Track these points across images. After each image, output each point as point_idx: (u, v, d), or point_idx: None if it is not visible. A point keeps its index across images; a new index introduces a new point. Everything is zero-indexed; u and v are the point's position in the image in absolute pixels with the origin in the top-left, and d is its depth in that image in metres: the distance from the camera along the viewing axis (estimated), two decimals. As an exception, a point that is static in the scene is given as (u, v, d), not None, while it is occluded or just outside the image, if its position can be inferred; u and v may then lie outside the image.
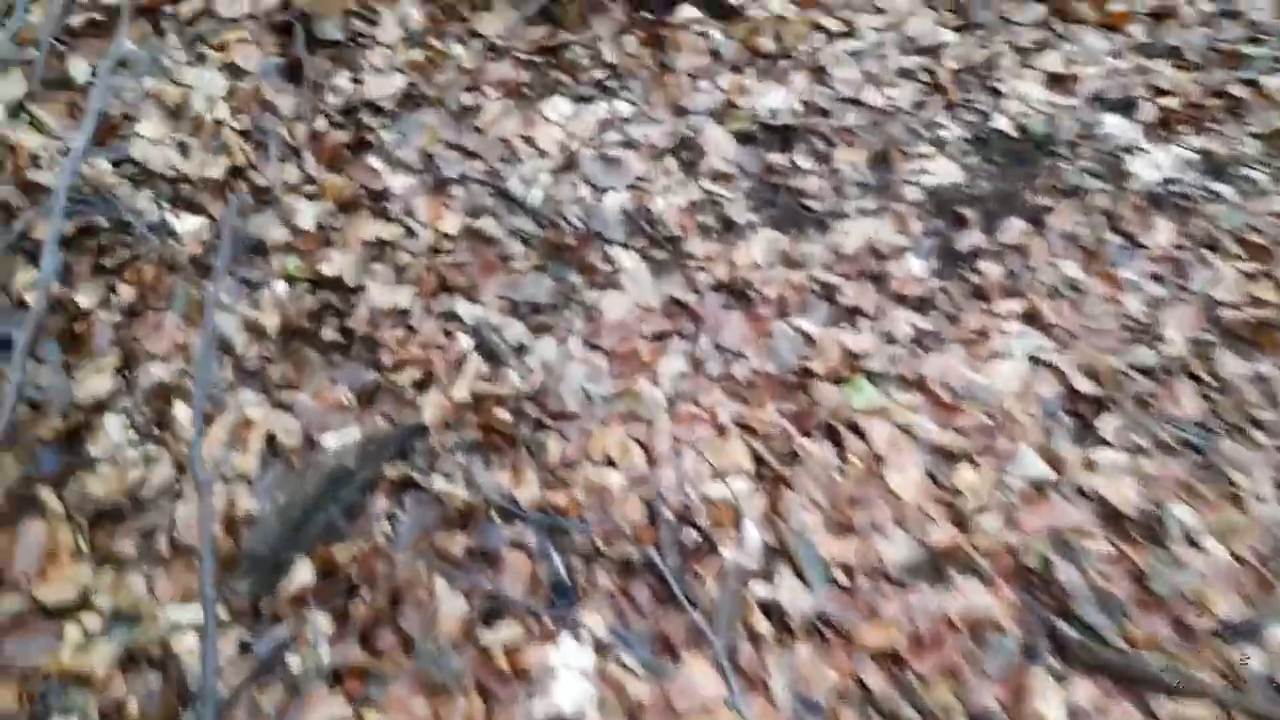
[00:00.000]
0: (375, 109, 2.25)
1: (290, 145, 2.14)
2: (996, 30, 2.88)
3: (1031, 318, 2.20)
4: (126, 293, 1.83)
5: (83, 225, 1.90)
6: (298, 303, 1.89)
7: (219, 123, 2.13)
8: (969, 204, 2.44)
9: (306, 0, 2.27)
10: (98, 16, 2.24)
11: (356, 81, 2.29)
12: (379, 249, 2.03)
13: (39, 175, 1.94)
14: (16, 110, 2.05)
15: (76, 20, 2.23)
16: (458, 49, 2.42)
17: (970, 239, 2.35)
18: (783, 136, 2.47)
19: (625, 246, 2.16)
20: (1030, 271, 2.32)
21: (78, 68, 2.16)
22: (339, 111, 2.22)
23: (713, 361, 1.99)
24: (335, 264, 1.97)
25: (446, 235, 2.07)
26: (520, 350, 1.93)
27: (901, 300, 2.19)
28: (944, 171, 2.50)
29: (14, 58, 2.12)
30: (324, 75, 2.28)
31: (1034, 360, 2.11)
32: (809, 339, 2.07)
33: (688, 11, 2.63)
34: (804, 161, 2.43)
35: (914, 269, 2.27)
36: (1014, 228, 2.39)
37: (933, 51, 2.76)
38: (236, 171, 2.07)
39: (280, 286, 1.92)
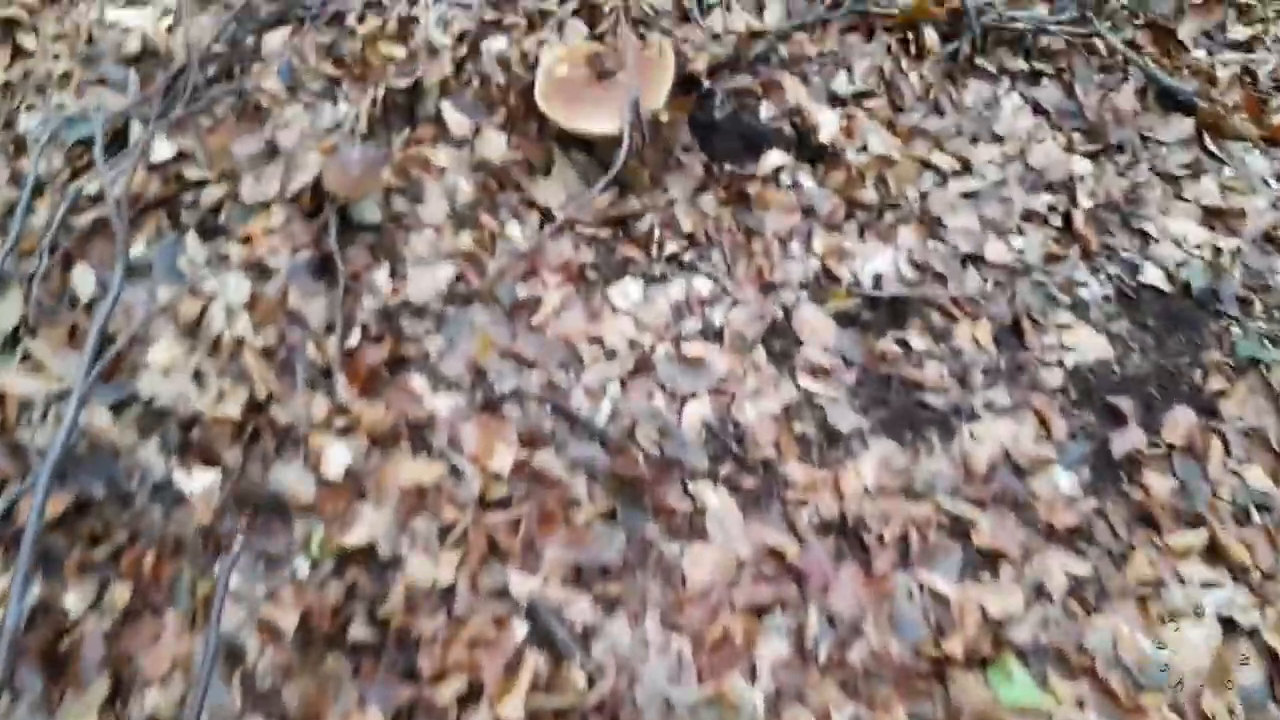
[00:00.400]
0: (418, 311, 1.90)
1: (319, 367, 1.81)
2: (1138, 153, 2.40)
3: (1215, 554, 1.75)
4: (121, 591, 1.51)
5: (76, 497, 1.59)
6: (321, 591, 1.55)
7: (239, 341, 1.81)
8: (1122, 390, 1.99)
9: (340, 185, 1.94)
10: (107, 214, 1.95)
11: (397, 276, 1.95)
12: (419, 499, 1.68)
13: (28, 434, 1.64)
14: (10, 342, 1.76)
15: (83, 219, 1.94)
16: (513, 227, 2.06)
17: (1128, 439, 1.90)
18: (891, 311, 2.05)
19: (709, 477, 1.77)
20: (1207, 484, 1.86)
21: (83, 280, 1.87)
22: (376, 316, 1.88)
23: (823, 640, 1.58)
24: (367, 527, 1.63)
25: (497, 476, 1.71)
26: (586, 637, 1.55)
27: (1051, 534, 1.76)
28: (1087, 345, 2.04)
29: (12, 273, 1.84)
30: (360, 271, 1.94)
31: (1226, 622, 1.65)
32: (940, 599, 1.65)
33: (775, 158, 2.22)
34: (918, 342, 2.00)
35: (1063, 486, 1.83)
36: (1180, 421, 1.93)
37: (1064, 186, 2.31)
38: (256, 406, 1.74)
39: (302, 565, 1.58)
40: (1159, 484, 1.84)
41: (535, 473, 1.73)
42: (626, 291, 2.01)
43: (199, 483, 1.66)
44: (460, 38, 2.31)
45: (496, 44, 2.32)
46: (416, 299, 1.92)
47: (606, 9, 2.37)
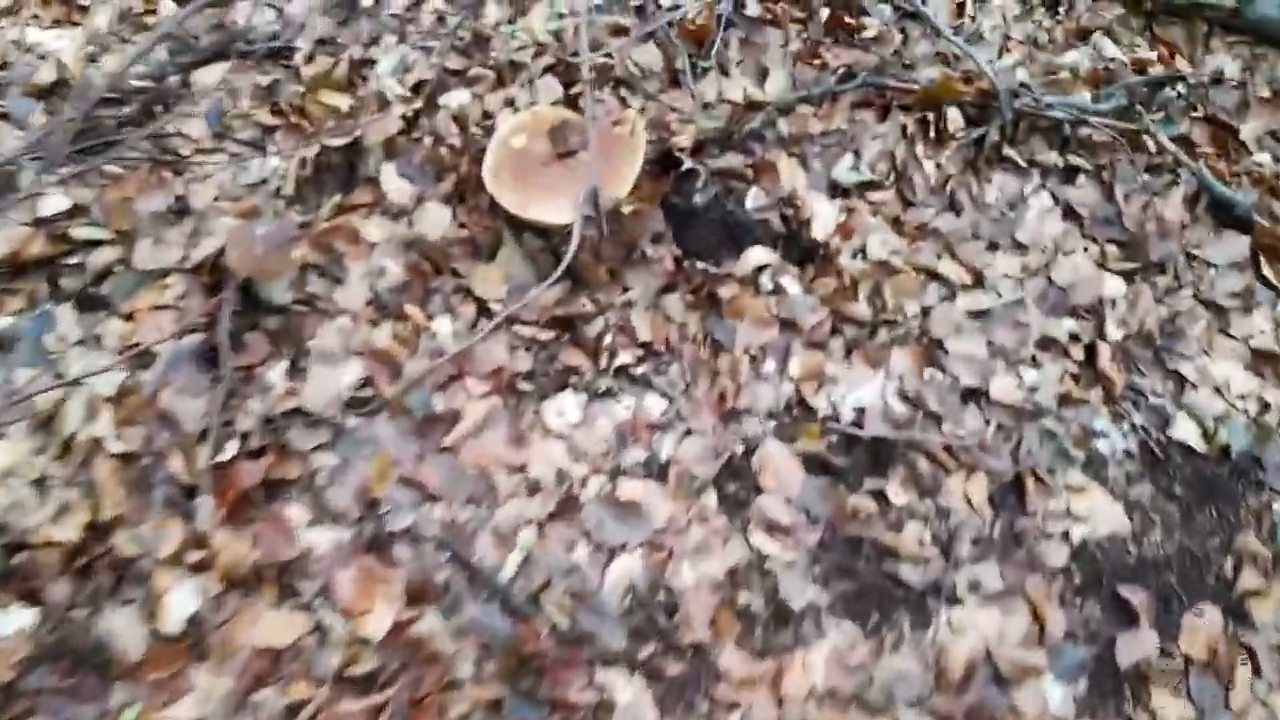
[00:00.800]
0: (312, 420, 1.55)
1: (182, 484, 1.46)
2: (1181, 275, 1.98)
3: (1233, 819, 1.35)
4: (-124, 774, 1.18)
5: None
6: (120, 790, 1.21)
7: (96, 444, 1.46)
8: (1136, 577, 1.59)
9: (242, 262, 1.58)
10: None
11: (295, 373, 1.59)
12: (269, 666, 1.33)
13: None
14: None
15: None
16: (442, 321, 1.69)
17: (1138, 645, 1.51)
18: (871, 455, 1.66)
19: (626, 662, 1.40)
20: (1229, 715, 1.45)
21: (-67, 357, 1.54)
22: (261, 424, 1.53)
23: None
24: (197, 700, 1.28)
25: (368, 642, 1.35)
26: None
27: (1031, 773, 1.37)
28: (1101, 514, 1.65)
29: None
30: (254, 365, 1.59)
31: None
32: None
33: (758, 255, 1.83)
34: (899, 496, 1.61)
35: (1053, 702, 1.45)
36: (1203, 626, 1.54)
37: (1091, 310, 1.89)
38: (99, 529, 1.39)
39: (109, 748, 1.24)
40: (1170, 709, 1.44)
41: (415, 641, 1.37)
42: (563, 408, 1.64)
43: (10, 625, 1.32)
44: (416, 88, 1.94)
45: (456, 98, 1.95)
46: (312, 405, 1.56)
47: (586, 68, 1.98)
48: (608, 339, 1.71)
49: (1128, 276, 1.95)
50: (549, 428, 1.62)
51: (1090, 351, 1.84)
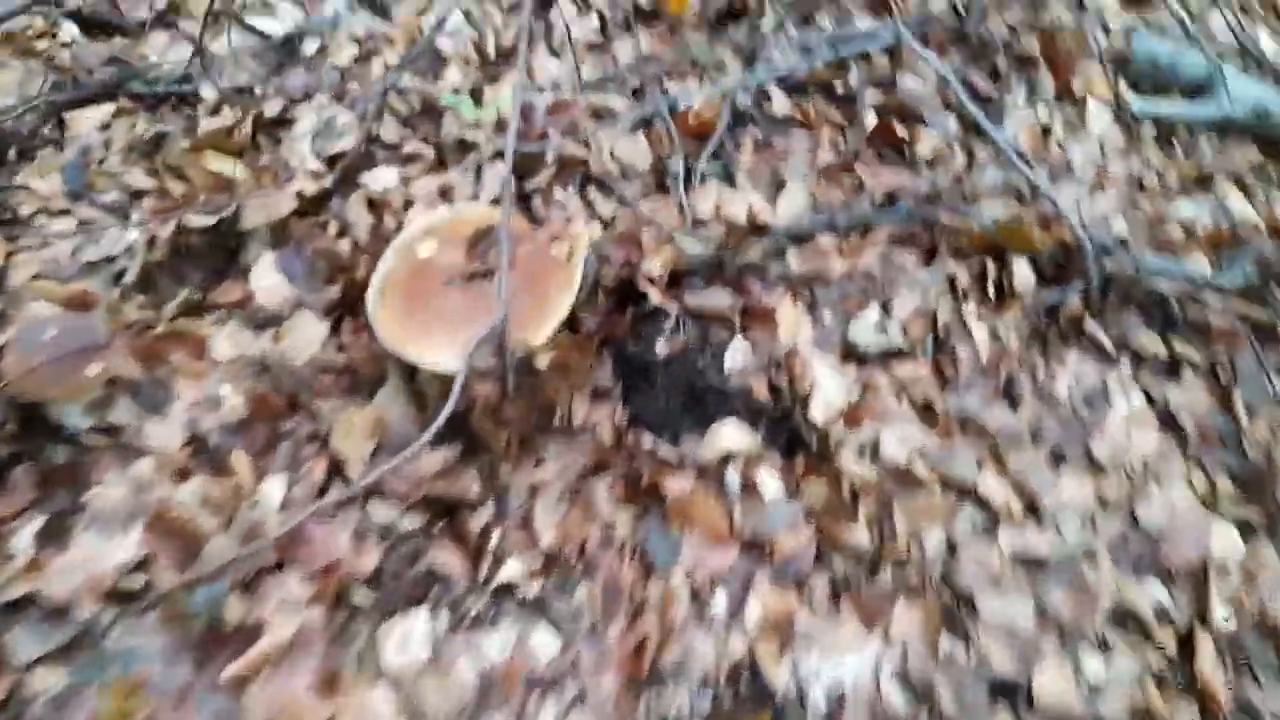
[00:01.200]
0: (49, 615, 1.03)
1: None
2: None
3: None
4: None
5: None
6: None
7: None
8: None
9: (14, 373, 1.10)
10: None
11: (54, 538, 1.09)
12: None
13: None
14: None
15: None
16: (273, 483, 1.17)
17: None
18: (843, 770, 1.06)
19: None
20: None
21: None
22: (-22, 616, 1.02)
23: None
24: None
25: None
26: None
27: None
28: None
29: None
30: (3, 518, 1.09)
31: None
32: None
33: (729, 437, 1.27)
34: (875, 846, 1.01)
35: None
36: None
37: (1191, 575, 1.26)
38: None
39: None
40: None
41: None
42: (409, 639, 1.09)
43: None
44: (333, 160, 1.45)
45: (381, 178, 1.45)
46: (57, 593, 1.04)
47: (548, 158, 1.46)
48: (496, 536, 1.16)
49: (1245, 529, 1.32)
50: (382, 666, 1.07)
51: (1185, 641, 1.21)
